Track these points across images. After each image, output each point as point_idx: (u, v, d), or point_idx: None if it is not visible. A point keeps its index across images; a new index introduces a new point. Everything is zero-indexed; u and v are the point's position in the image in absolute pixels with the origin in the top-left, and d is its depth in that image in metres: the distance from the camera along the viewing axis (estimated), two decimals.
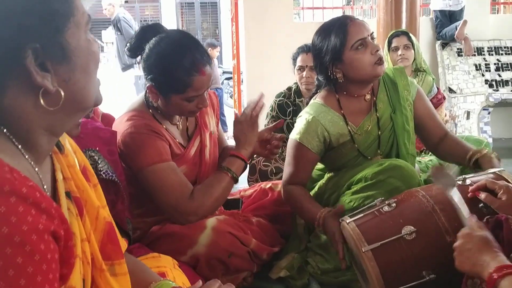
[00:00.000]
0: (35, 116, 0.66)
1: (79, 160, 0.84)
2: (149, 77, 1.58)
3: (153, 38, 1.57)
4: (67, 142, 0.82)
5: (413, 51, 3.05)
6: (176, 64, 1.52)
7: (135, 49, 1.61)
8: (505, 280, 0.92)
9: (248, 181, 2.68)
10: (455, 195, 1.27)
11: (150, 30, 1.60)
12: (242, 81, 5.08)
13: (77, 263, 0.68)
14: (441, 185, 1.33)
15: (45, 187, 0.70)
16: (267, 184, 2.09)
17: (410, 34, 3.13)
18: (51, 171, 0.74)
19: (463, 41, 4.46)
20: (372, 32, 1.74)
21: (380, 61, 1.71)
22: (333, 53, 1.72)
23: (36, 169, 0.68)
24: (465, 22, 4.39)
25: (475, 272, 1.01)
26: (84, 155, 0.86)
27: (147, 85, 1.59)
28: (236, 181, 1.72)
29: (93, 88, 0.72)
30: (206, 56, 1.58)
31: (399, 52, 3.04)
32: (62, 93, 0.66)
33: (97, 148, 1.41)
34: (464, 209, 1.21)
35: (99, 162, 1.39)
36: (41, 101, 0.65)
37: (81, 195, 0.77)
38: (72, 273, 0.66)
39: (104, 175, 1.37)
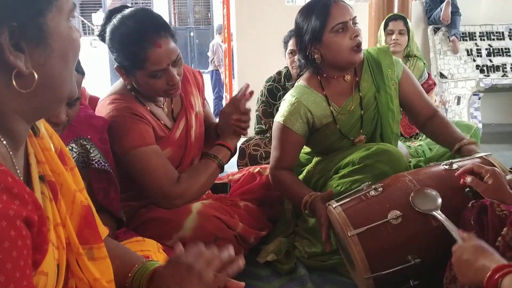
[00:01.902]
0: (8, 98, 0.65)
1: (55, 144, 0.82)
2: (113, 57, 1.57)
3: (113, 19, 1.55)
4: (42, 125, 0.80)
5: (407, 37, 3.03)
6: (129, 39, 1.50)
7: (103, 32, 1.59)
8: (506, 278, 0.90)
9: (238, 165, 2.67)
10: (440, 216, 1.27)
11: (116, 12, 1.58)
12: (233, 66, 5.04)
13: (50, 249, 0.67)
14: (423, 210, 1.32)
15: (18, 171, 0.68)
16: (256, 169, 2.09)
17: (408, 20, 3.11)
18: (24, 156, 0.73)
19: (452, 42, 4.45)
20: (355, 17, 1.72)
21: (358, 48, 1.70)
22: (313, 33, 1.71)
23: (11, 152, 0.67)
24: (449, 2, 4.36)
25: (478, 281, 0.97)
26: (60, 139, 0.84)
27: (115, 66, 1.58)
28: (222, 169, 1.72)
29: (69, 77, 0.70)
30: (165, 29, 1.53)
31: (393, 37, 3.02)
32: (36, 75, 0.64)
33: (89, 136, 1.39)
34: (453, 228, 1.20)
35: (91, 151, 1.37)
36: (14, 82, 0.63)
37: (56, 179, 0.75)
38: (45, 259, 0.65)
39: (96, 165, 1.36)
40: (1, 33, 0.60)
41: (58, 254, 0.71)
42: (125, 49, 1.51)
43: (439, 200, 1.32)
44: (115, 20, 1.54)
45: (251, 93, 1.77)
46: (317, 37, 1.71)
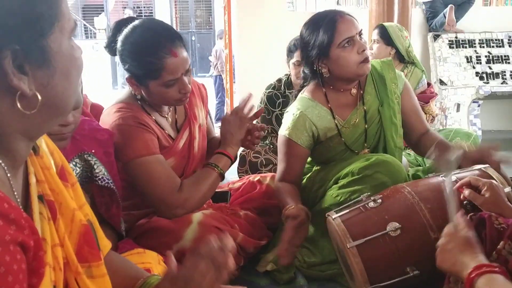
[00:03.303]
0: (11, 119, 0.65)
1: (56, 160, 0.82)
2: (125, 68, 1.57)
3: (124, 29, 1.56)
4: (43, 142, 0.81)
5: (384, 45, 3.00)
6: (145, 48, 1.51)
7: (111, 44, 1.61)
8: (482, 278, 0.94)
9: (238, 172, 2.68)
10: (448, 183, 1.24)
11: (124, 24, 1.59)
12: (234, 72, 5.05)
13: (47, 272, 0.67)
14: (440, 166, 1.32)
15: (15, 193, 0.68)
16: (256, 177, 2.09)
17: (386, 26, 3.05)
18: (24, 174, 0.73)
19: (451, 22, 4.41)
20: (361, 30, 1.74)
21: (365, 60, 1.71)
22: (320, 49, 1.72)
23: (9, 175, 0.67)
24: (452, 7, 4.37)
25: (454, 271, 1.02)
26: (62, 154, 0.85)
27: (126, 77, 1.58)
28: (223, 177, 1.73)
29: (74, 93, 0.71)
30: (179, 39, 1.56)
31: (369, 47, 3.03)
32: (39, 97, 0.65)
33: (93, 151, 1.40)
34: (453, 201, 1.19)
35: (95, 167, 1.37)
36: (18, 104, 0.64)
37: (55, 198, 0.76)
38: (42, 283, 0.65)
39: (100, 182, 1.36)
40: (4, 57, 0.61)
41: (55, 275, 0.71)
42: (140, 59, 1.52)
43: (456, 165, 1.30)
44: (127, 31, 1.55)
45: (252, 108, 1.79)
46: (324, 52, 1.72)
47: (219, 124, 1.89)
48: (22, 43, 0.62)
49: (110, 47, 1.61)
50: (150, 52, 1.50)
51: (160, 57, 1.50)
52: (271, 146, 2.74)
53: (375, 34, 3.03)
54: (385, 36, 3.00)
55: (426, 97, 2.98)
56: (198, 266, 0.85)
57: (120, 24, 1.60)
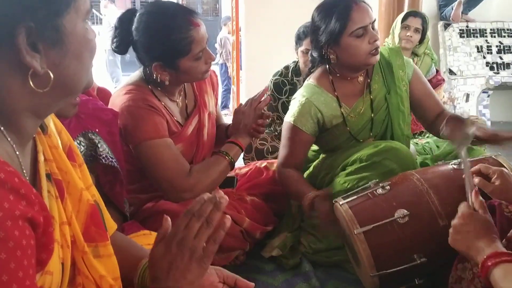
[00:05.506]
0: (21, 97, 0.65)
1: (64, 141, 0.82)
2: (150, 56, 1.56)
3: (134, 21, 1.55)
4: (52, 122, 0.81)
5: (420, 36, 3.01)
6: (169, 28, 1.51)
7: (123, 41, 1.58)
8: (498, 268, 0.92)
9: (244, 159, 2.67)
10: (464, 157, 1.23)
11: (128, 17, 1.57)
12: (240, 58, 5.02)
13: (56, 248, 0.68)
14: (454, 140, 1.30)
15: (24, 171, 0.68)
16: (263, 163, 2.09)
17: (427, 19, 3.07)
18: (33, 153, 0.73)
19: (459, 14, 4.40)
20: (374, 20, 1.70)
21: (375, 51, 1.68)
22: (331, 35, 1.69)
23: (17, 152, 0.67)
24: (460, 2, 4.32)
25: (469, 255, 1.01)
26: (69, 135, 0.85)
27: (154, 65, 1.56)
28: (233, 166, 1.73)
29: (85, 75, 0.71)
30: (192, 10, 1.58)
31: (408, 33, 3.00)
32: (51, 76, 0.65)
33: (97, 130, 1.40)
34: (469, 176, 1.18)
35: (99, 145, 1.38)
36: (30, 82, 0.64)
37: (63, 177, 0.76)
38: (51, 259, 0.66)
39: (103, 160, 1.37)
40: (19, 34, 0.61)
41: (63, 252, 0.71)
42: (167, 40, 1.51)
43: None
44: (140, 20, 1.54)
45: (268, 98, 1.82)
46: (335, 39, 1.69)
47: (225, 111, 1.90)
48: (37, 21, 0.62)
49: (125, 44, 1.58)
50: (175, 30, 1.51)
51: (186, 31, 1.52)
52: (277, 134, 2.72)
53: (418, 23, 3.01)
54: (425, 27, 3.03)
55: (432, 85, 2.97)
56: (191, 226, 0.79)
57: (125, 18, 1.58)
